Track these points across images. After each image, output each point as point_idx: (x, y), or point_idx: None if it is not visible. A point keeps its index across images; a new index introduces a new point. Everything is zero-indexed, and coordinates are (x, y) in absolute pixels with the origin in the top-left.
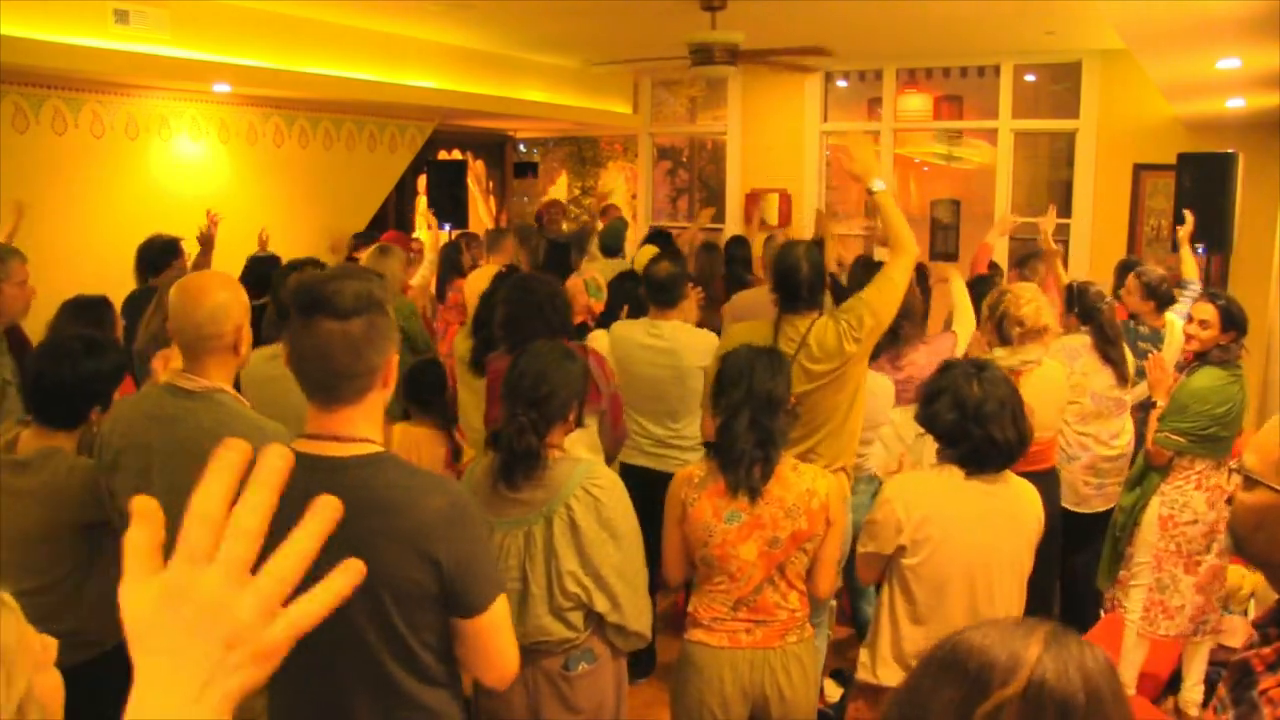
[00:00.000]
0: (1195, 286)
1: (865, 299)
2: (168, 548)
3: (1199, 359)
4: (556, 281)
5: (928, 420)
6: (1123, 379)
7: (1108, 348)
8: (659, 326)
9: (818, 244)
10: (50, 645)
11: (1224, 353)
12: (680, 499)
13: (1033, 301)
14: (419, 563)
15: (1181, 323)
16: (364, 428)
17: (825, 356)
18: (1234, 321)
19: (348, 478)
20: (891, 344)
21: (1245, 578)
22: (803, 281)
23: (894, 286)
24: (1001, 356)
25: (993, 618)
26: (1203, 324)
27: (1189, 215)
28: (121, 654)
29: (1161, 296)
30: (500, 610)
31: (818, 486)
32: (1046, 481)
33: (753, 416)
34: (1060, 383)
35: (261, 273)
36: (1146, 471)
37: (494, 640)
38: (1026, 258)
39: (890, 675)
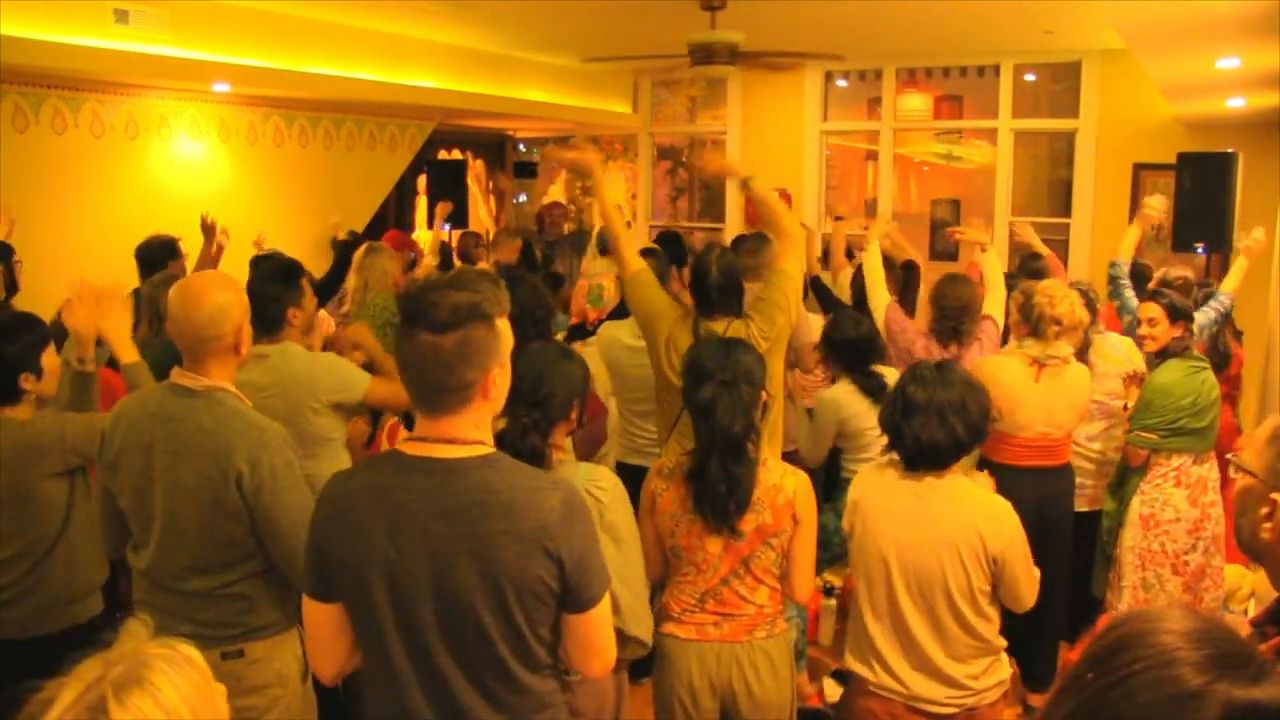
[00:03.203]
0: (1224, 300)
1: (773, 299)
2: (160, 544)
3: (1160, 356)
4: (538, 284)
5: (880, 419)
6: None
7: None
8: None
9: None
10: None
11: (1180, 343)
12: (651, 490)
13: (1066, 299)
14: (544, 560)
15: (1195, 328)
16: (472, 433)
17: None
18: (1179, 313)
19: (467, 479)
20: (953, 342)
21: (1245, 577)
22: (712, 286)
23: (792, 280)
24: (1030, 347)
25: (901, 623)
26: (1151, 322)
27: (1262, 231)
28: (92, 629)
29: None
30: (607, 604)
31: (785, 483)
32: (1058, 479)
33: (722, 462)
34: (1083, 386)
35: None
36: (1126, 474)
37: (600, 632)
38: (1035, 269)
39: (849, 660)
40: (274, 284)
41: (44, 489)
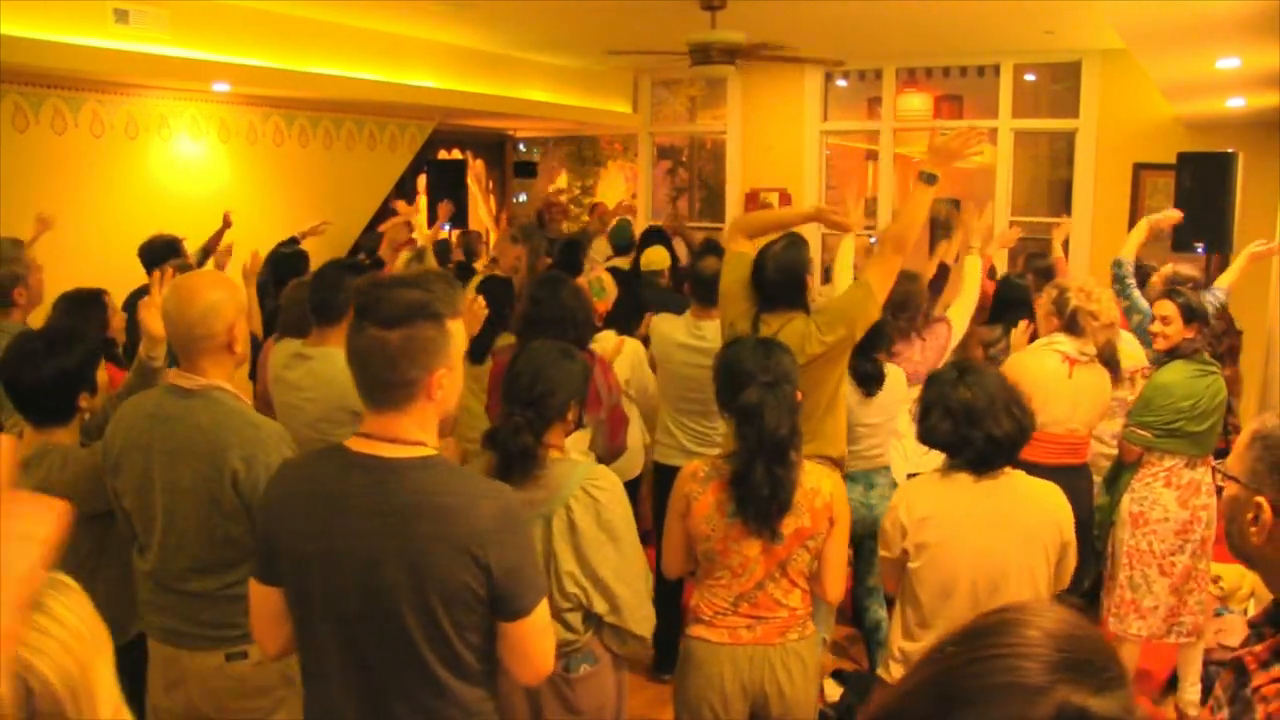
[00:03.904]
0: (1219, 294)
1: (842, 308)
2: (161, 545)
3: (1169, 355)
4: (579, 288)
5: (927, 436)
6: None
7: None
8: (702, 327)
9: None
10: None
11: (1191, 344)
12: (685, 493)
13: (1103, 296)
14: (471, 567)
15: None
16: (415, 433)
17: None
18: (1195, 314)
19: (402, 480)
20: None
21: (1245, 577)
22: (768, 282)
23: (870, 295)
24: (1063, 343)
25: None
26: (1164, 320)
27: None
28: (137, 647)
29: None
30: (542, 613)
31: (822, 485)
32: (1079, 477)
33: (767, 465)
34: (1107, 384)
35: (288, 266)
36: (1120, 470)
37: (534, 641)
38: (1042, 267)
39: (897, 674)
40: (351, 273)
41: (82, 523)
